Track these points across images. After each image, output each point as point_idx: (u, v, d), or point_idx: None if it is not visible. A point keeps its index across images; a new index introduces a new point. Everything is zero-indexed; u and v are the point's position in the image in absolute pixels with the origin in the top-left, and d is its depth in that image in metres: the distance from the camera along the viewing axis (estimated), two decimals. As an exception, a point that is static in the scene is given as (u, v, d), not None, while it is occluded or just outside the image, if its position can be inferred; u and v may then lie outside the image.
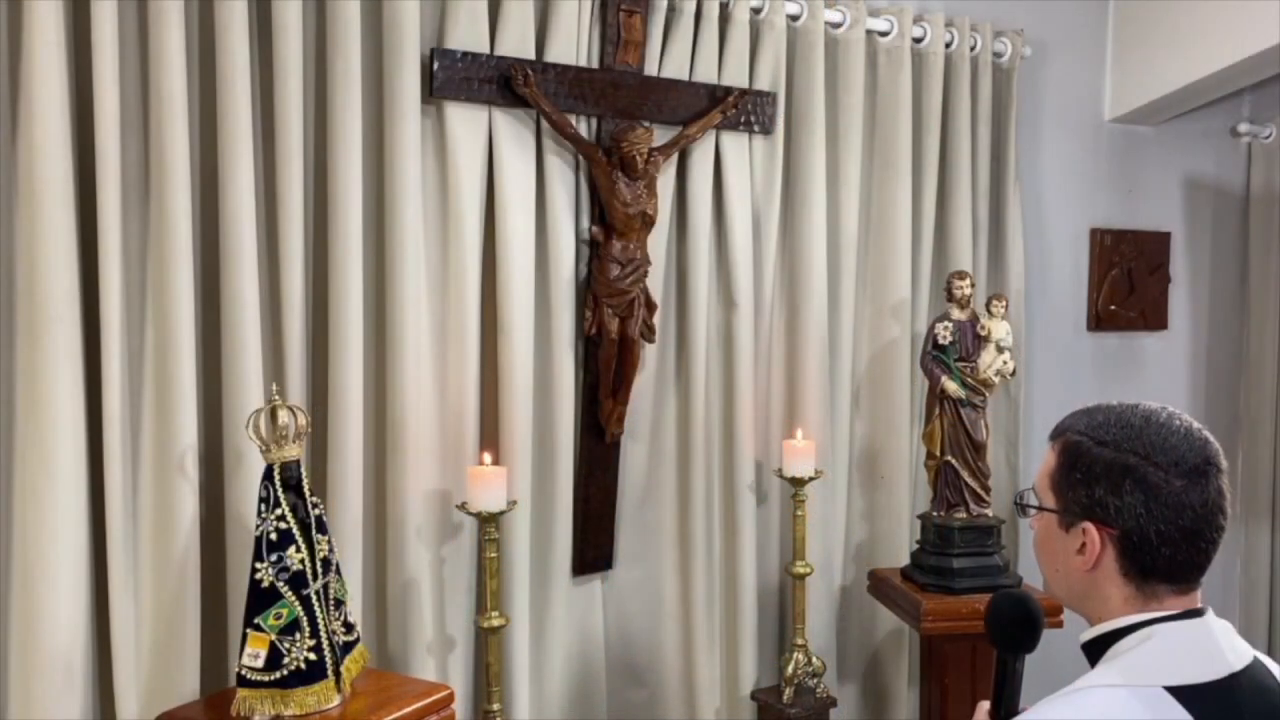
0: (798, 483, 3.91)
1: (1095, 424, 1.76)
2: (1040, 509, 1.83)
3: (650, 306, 3.74)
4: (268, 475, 2.72)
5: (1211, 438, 1.75)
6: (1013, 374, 4.07)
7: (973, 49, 4.46)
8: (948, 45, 4.39)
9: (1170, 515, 1.68)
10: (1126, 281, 5.16)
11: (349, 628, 2.89)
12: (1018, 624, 1.92)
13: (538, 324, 3.60)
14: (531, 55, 3.51)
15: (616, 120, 3.66)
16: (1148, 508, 1.68)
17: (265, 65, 3.08)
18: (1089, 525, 1.73)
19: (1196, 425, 1.75)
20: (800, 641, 3.99)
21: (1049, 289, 4.99)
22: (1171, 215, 5.33)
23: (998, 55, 4.56)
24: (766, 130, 4.01)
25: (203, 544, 3.02)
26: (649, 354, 3.87)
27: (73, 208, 2.74)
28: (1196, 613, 1.73)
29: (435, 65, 3.32)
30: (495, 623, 3.37)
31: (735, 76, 3.93)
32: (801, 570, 3.97)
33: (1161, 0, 4.73)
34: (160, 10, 2.84)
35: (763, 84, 3.99)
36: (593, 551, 3.87)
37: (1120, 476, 1.70)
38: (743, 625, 4.06)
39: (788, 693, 3.95)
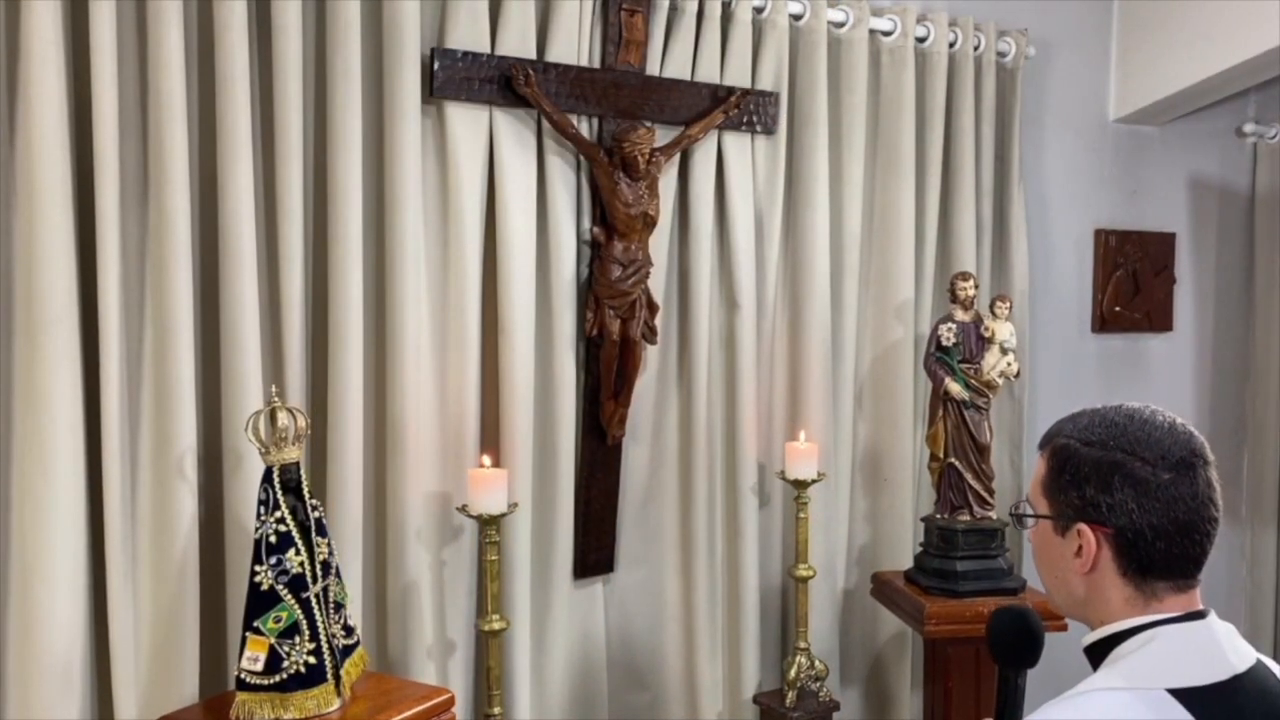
0: (800, 485, 3.92)
1: (1080, 427, 1.80)
2: (1034, 517, 1.85)
3: (652, 308, 3.74)
4: (267, 477, 2.71)
5: (1196, 432, 1.77)
6: (1016, 376, 4.05)
7: (976, 49, 4.46)
8: (951, 45, 4.38)
9: (1161, 509, 1.70)
10: (1131, 283, 5.15)
11: (349, 631, 2.89)
12: (1018, 639, 1.94)
13: (539, 325, 3.60)
14: (532, 55, 3.51)
15: (618, 120, 3.66)
16: (1139, 503, 1.70)
17: (265, 66, 3.07)
18: (1083, 526, 1.75)
19: (1180, 420, 1.78)
20: (803, 645, 3.99)
21: (1053, 290, 4.98)
22: (1176, 216, 5.32)
23: (1001, 55, 4.56)
24: (769, 130, 4.01)
25: (202, 546, 3.01)
26: (651, 355, 3.87)
27: (71, 209, 2.73)
28: (1199, 614, 1.74)
29: (435, 65, 3.32)
30: (496, 626, 3.37)
31: (737, 76, 3.93)
32: (804, 573, 3.96)
33: (1166, 0, 4.73)
34: (159, 10, 2.83)
35: (765, 84, 3.99)
36: (594, 554, 3.87)
37: (1109, 474, 1.72)
38: (745, 628, 4.06)
39: (790, 696, 3.95)
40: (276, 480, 2.71)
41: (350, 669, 2.85)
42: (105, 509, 2.82)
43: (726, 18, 3.90)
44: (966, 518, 3.91)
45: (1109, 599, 1.76)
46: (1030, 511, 1.86)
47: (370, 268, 3.30)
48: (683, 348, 3.96)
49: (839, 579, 4.36)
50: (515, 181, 3.49)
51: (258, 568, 2.67)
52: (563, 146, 3.60)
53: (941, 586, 3.86)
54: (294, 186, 3.08)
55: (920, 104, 4.34)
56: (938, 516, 3.98)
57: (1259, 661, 1.74)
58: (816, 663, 4.01)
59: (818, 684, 3.99)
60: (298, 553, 2.68)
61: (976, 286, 3.99)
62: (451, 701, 2.97)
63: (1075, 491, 1.76)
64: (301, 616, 2.66)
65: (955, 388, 3.88)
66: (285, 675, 2.64)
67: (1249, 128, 5.41)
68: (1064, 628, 3.08)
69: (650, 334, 3.75)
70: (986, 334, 3.94)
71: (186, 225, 2.90)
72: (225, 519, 3.06)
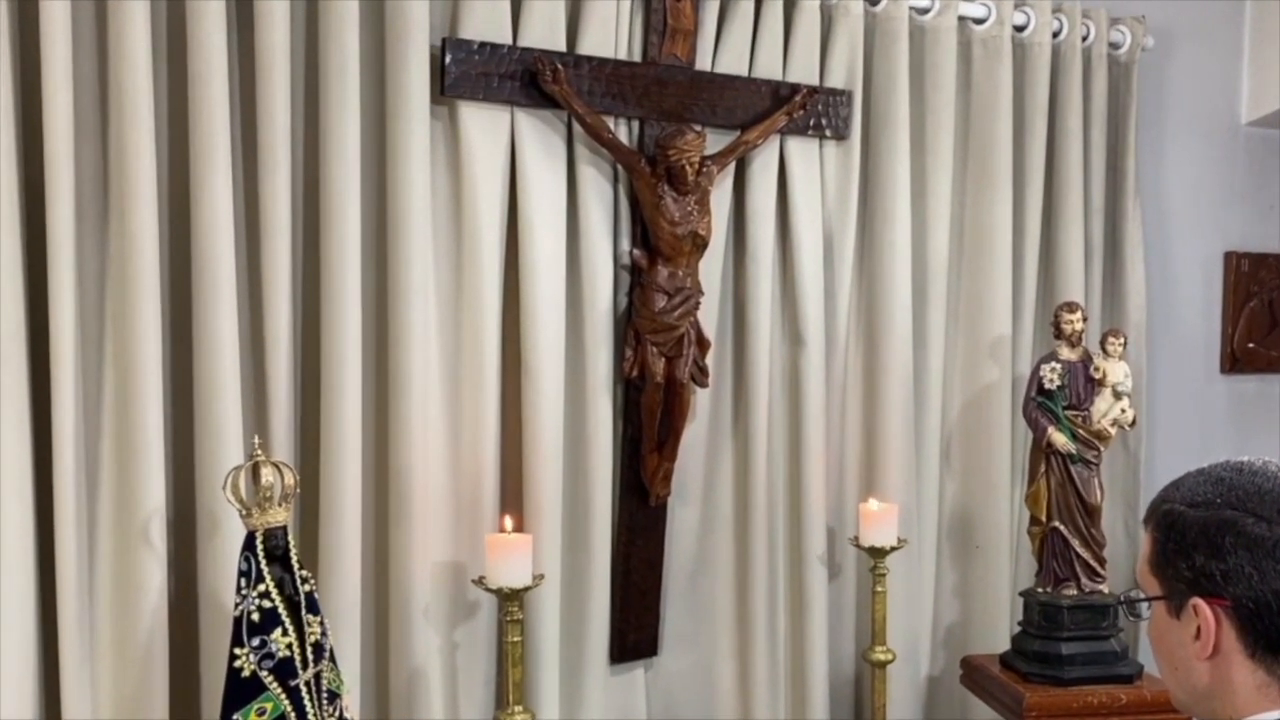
0: (877, 553, 3.90)
1: (1184, 490, 1.79)
2: (1145, 600, 1.84)
3: (702, 344, 3.72)
4: (249, 544, 2.73)
5: None
6: (1132, 424, 4.05)
7: (1085, 39, 4.42)
8: (1055, 34, 4.35)
9: None
10: (1268, 314, 5.09)
11: (344, 726, 2.86)
12: None
13: (569, 365, 3.61)
14: (562, 47, 3.52)
15: (662, 123, 3.65)
16: (1257, 566, 1.67)
17: (246, 59, 3.12)
18: (1198, 601, 1.72)
19: None
20: (880, 742, 3.95)
21: (1175, 324, 4.94)
22: (1321, 236, 5.25)
23: (1114, 46, 4.52)
24: (840, 135, 3.99)
25: (171, 626, 3.04)
26: (701, 400, 3.86)
27: (18, 228, 2.81)
28: None
29: (447, 58, 3.32)
30: (518, 719, 3.32)
31: (803, 72, 3.91)
32: (882, 657, 3.96)
33: (1309, -18, 4.67)
34: (122, -3, 2.86)
35: (836, 81, 3.98)
36: (634, 634, 3.86)
37: (1219, 536, 1.70)
38: (812, 722, 4.01)
39: (866, 803, 3.91)
40: (260, 548, 2.73)
41: (346, 772, 2.84)
42: (58, 581, 2.88)
43: (790, 3, 3.90)
44: (1073, 592, 3.89)
45: (1236, 688, 1.72)
46: (1140, 596, 1.85)
47: (370, 297, 3.34)
48: (738, 391, 3.95)
49: (923, 664, 4.34)
50: (541, 195, 3.49)
51: (238, 651, 2.67)
52: (597, 154, 3.60)
53: (1044, 673, 3.84)
54: (280, 201, 3.12)
55: (1018, 104, 4.31)
56: (1039, 590, 3.96)
57: None
58: (897, 763, 3.96)
59: (898, 789, 3.95)
60: (285, 633, 2.70)
61: (1085, 319, 3.97)
62: (465, 810, 2.95)
63: (1184, 562, 1.73)
64: (289, 708, 2.68)
65: (1060, 439, 3.86)
66: (269, 779, 2.64)
67: (1404, 132, 5.33)
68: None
69: (700, 375, 3.73)
70: (1097, 375, 3.93)
71: (154, 247, 2.97)
72: (199, 593, 3.10)
